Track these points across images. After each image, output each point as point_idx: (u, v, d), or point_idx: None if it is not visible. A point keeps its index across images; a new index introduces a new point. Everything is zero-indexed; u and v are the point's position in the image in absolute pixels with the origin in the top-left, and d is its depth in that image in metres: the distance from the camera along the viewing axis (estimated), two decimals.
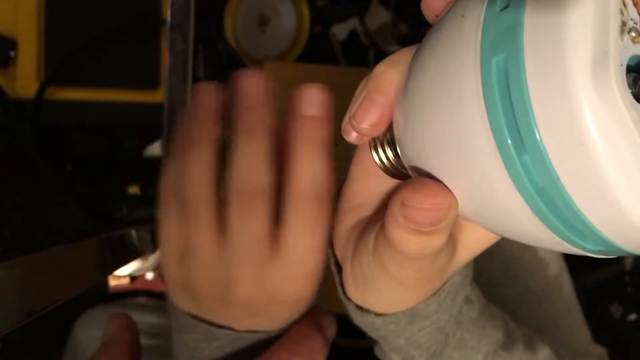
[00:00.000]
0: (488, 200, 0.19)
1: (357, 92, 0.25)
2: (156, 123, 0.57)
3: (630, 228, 0.15)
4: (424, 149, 0.20)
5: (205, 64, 0.67)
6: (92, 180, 0.67)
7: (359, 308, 0.30)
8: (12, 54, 0.58)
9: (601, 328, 0.92)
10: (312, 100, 0.29)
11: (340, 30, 0.89)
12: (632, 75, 0.16)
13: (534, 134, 0.15)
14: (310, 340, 0.32)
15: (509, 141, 0.16)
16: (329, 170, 0.29)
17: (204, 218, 0.29)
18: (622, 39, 0.15)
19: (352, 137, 0.25)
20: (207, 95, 0.31)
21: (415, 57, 0.21)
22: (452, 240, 0.25)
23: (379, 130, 0.24)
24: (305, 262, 0.30)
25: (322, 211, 0.29)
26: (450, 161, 0.19)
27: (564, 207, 0.16)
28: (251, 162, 0.28)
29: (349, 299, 0.30)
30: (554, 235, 0.17)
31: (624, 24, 0.15)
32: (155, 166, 0.63)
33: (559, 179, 0.15)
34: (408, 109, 0.21)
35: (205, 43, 0.68)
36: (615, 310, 0.95)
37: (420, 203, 0.21)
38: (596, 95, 0.14)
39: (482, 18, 0.17)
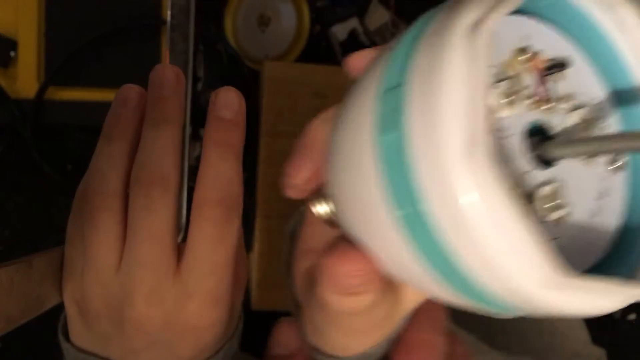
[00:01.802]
0: (398, 268, 0.19)
1: (294, 148, 0.25)
2: None
3: (526, 298, 0.15)
4: (342, 210, 0.21)
5: (206, 64, 0.67)
6: None
7: (315, 348, 0.29)
8: (12, 54, 0.58)
9: (600, 327, 0.92)
10: (227, 103, 0.28)
11: (340, 31, 0.89)
12: (536, 138, 0.17)
13: (424, 212, 0.15)
14: (438, 311, 0.29)
15: (404, 218, 0.16)
16: (238, 176, 0.28)
17: (104, 216, 0.27)
18: (510, 111, 0.16)
19: (291, 192, 0.25)
20: (129, 94, 0.30)
21: (334, 118, 0.22)
22: (392, 289, 0.24)
23: (312, 185, 0.24)
24: (204, 281, 0.28)
25: (226, 219, 0.27)
26: (361, 227, 0.20)
27: (468, 284, 0.16)
28: (157, 150, 0.27)
29: (305, 338, 0.29)
30: (457, 295, 0.18)
31: (511, 94, 0.16)
32: None
33: (453, 257, 0.16)
34: (327, 169, 0.22)
35: (205, 43, 0.68)
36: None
37: (339, 271, 0.21)
38: (471, 178, 0.14)
39: (374, 96, 0.17)
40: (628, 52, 0.18)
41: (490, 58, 0.15)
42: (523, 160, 0.17)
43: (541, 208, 0.17)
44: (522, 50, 0.18)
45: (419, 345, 0.27)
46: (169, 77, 0.29)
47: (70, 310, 0.30)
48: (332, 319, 0.25)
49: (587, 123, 0.19)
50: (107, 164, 0.28)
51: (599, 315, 0.16)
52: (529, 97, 0.17)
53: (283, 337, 0.31)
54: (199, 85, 0.66)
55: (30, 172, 0.62)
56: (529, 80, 0.18)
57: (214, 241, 0.27)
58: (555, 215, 0.17)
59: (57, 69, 0.58)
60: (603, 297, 0.15)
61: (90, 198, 0.28)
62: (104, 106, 0.60)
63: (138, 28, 0.61)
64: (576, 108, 0.19)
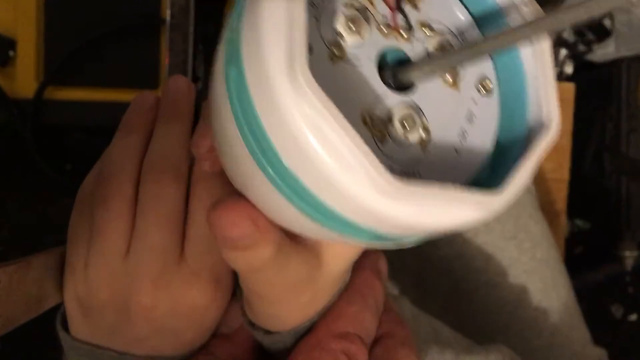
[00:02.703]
0: (268, 208, 0.20)
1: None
2: None
3: (360, 207, 0.16)
4: (223, 161, 0.21)
5: (205, 64, 0.67)
6: None
7: (252, 325, 0.29)
8: (11, 53, 0.58)
9: (602, 328, 0.92)
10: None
11: None
12: (391, 68, 0.18)
13: (268, 139, 0.16)
14: (374, 290, 0.29)
15: (257, 152, 0.17)
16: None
17: (117, 201, 0.28)
18: (359, 37, 0.18)
19: (202, 164, 0.26)
20: (146, 97, 0.32)
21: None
22: (311, 251, 0.24)
23: (215, 153, 0.24)
24: (205, 258, 0.29)
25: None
26: (233, 172, 0.20)
27: (316, 202, 0.17)
28: (169, 143, 0.29)
29: (244, 315, 0.29)
30: (324, 229, 0.18)
31: (359, 21, 0.17)
32: None
33: (298, 178, 0.16)
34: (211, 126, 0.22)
35: (205, 43, 0.68)
36: (616, 310, 0.95)
37: (221, 223, 0.20)
38: (294, 93, 0.15)
39: (224, 43, 0.18)
40: None
41: None
42: (378, 84, 0.18)
43: (399, 128, 0.18)
44: None
45: (344, 316, 0.27)
46: (183, 85, 0.32)
47: (71, 307, 0.30)
48: (246, 283, 0.25)
49: (446, 48, 0.19)
50: (123, 153, 0.30)
51: (455, 229, 0.17)
52: (383, 25, 0.18)
53: (228, 317, 0.32)
54: (199, 85, 0.66)
55: (30, 172, 0.62)
56: (383, 9, 0.18)
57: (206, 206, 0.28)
58: (415, 134, 0.18)
59: (56, 69, 0.58)
60: (443, 204, 0.16)
61: (105, 184, 0.29)
62: (104, 106, 0.60)
63: (138, 28, 0.60)
64: (434, 35, 0.19)
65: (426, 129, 0.18)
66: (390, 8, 0.18)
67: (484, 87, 0.20)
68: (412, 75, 0.18)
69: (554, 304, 0.54)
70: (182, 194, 0.28)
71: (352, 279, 0.29)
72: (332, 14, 0.17)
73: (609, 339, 0.92)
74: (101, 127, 0.64)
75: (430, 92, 0.19)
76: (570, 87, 0.86)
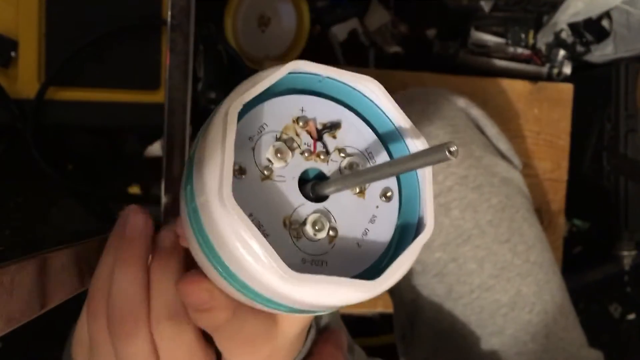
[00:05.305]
0: (218, 285, 0.25)
1: None
2: (157, 123, 0.57)
3: (272, 290, 0.21)
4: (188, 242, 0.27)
5: (206, 64, 0.68)
6: (92, 180, 0.67)
7: None
8: (13, 54, 0.58)
9: (600, 328, 0.92)
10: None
11: (340, 31, 0.89)
12: (312, 182, 0.23)
13: (209, 240, 0.22)
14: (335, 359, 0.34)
15: (205, 248, 0.23)
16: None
17: (145, 345, 0.28)
18: (284, 162, 0.23)
19: (182, 242, 0.29)
20: (140, 216, 0.30)
21: None
22: (267, 313, 0.28)
23: None
24: None
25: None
26: (195, 259, 0.25)
27: (244, 284, 0.22)
28: (167, 289, 0.29)
29: None
30: (255, 303, 0.23)
31: (285, 150, 0.23)
32: (155, 166, 0.63)
33: (230, 268, 0.22)
34: None
35: (205, 43, 0.69)
36: (615, 310, 0.96)
37: (186, 291, 0.26)
38: (223, 211, 0.20)
39: (185, 168, 0.24)
40: (382, 105, 0.25)
41: (233, 132, 0.21)
42: (297, 196, 0.23)
43: (310, 229, 0.23)
44: (300, 117, 0.24)
45: (326, 355, 0.32)
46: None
47: None
48: (217, 341, 0.29)
49: (356, 166, 0.25)
50: (133, 290, 0.29)
51: (346, 305, 0.22)
52: (305, 152, 0.24)
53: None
54: (199, 86, 0.66)
55: (31, 172, 0.62)
56: (307, 139, 0.24)
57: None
58: (323, 233, 0.23)
59: (57, 69, 0.58)
60: (331, 288, 0.21)
61: (124, 323, 0.28)
62: (105, 106, 0.61)
63: (138, 28, 0.61)
64: (347, 156, 0.25)
65: (334, 229, 0.23)
66: (313, 139, 0.24)
67: (385, 196, 0.25)
68: (326, 190, 0.23)
69: (548, 306, 0.54)
70: (197, 330, 0.29)
71: (318, 349, 0.34)
72: (264, 146, 0.23)
73: (608, 339, 0.92)
74: (102, 127, 0.65)
75: (341, 200, 0.24)
76: (569, 87, 0.86)
